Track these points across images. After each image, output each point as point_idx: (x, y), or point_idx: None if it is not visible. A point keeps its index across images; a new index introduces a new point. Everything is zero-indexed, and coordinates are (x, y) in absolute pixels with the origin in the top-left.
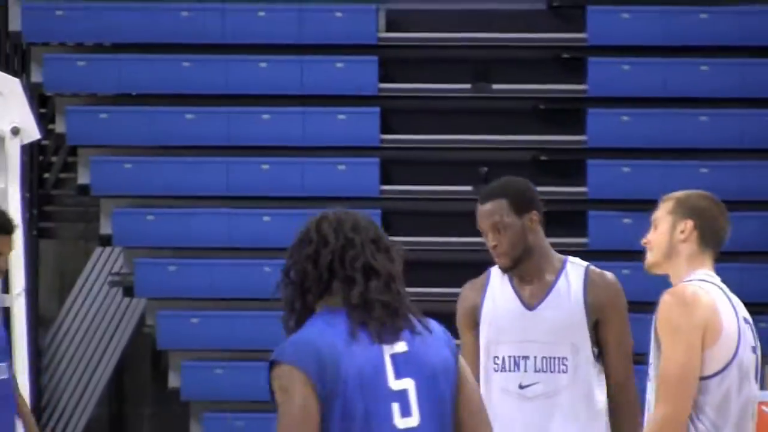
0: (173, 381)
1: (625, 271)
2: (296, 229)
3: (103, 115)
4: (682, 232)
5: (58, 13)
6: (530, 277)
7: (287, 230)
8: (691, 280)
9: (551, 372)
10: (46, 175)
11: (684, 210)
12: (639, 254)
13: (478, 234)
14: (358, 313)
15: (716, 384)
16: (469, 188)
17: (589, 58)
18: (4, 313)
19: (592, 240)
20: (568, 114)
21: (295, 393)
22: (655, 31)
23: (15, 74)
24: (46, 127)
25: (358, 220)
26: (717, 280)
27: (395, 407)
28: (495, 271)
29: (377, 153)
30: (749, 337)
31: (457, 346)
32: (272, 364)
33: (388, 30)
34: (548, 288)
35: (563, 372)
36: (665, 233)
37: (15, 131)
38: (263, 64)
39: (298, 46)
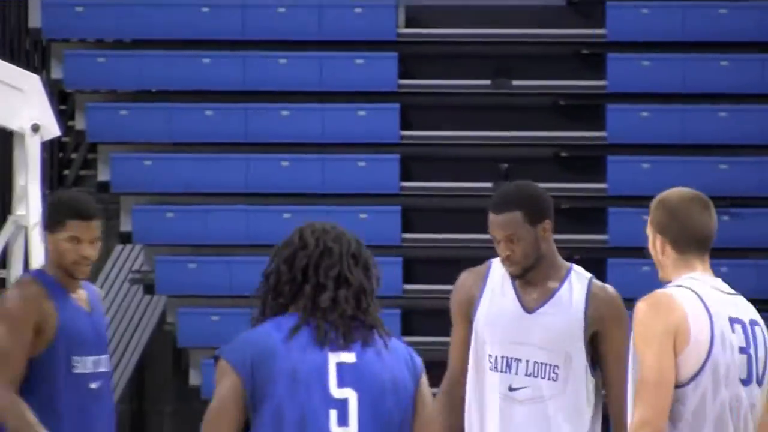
0: (194, 379)
1: (645, 268)
2: None
3: (122, 112)
4: (658, 246)
5: (78, 9)
6: (534, 282)
7: None
8: (667, 286)
9: (541, 378)
10: (66, 172)
11: (653, 223)
12: None
13: None
14: (313, 316)
15: (691, 390)
16: (489, 185)
17: (609, 54)
18: None
19: (612, 236)
20: (587, 110)
21: (222, 386)
22: (674, 26)
23: (35, 71)
24: (66, 123)
25: (343, 233)
26: (700, 283)
27: (333, 414)
28: (497, 265)
29: (397, 149)
30: (734, 339)
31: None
32: (215, 359)
33: (407, 26)
34: (550, 294)
35: (553, 380)
36: (651, 249)
37: (35, 128)
38: (283, 61)
39: (317, 42)
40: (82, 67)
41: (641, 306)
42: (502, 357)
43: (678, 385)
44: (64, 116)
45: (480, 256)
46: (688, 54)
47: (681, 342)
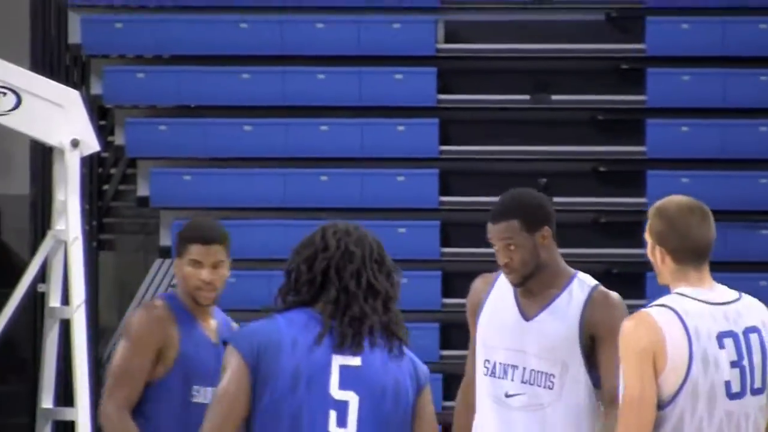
0: None
1: None
2: None
3: (162, 127)
4: (658, 255)
5: (118, 25)
6: (535, 290)
7: None
8: (652, 304)
9: (537, 386)
10: (106, 187)
11: (651, 232)
12: None
13: None
14: (335, 318)
15: (671, 411)
16: None
17: (649, 69)
18: (64, 326)
19: None
20: (627, 125)
21: (230, 371)
22: (714, 41)
23: (74, 86)
24: (105, 139)
25: (365, 235)
26: (686, 300)
27: (332, 414)
28: None
29: (436, 164)
30: (722, 356)
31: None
32: (224, 344)
33: (446, 41)
34: (548, 301)
35: (549, 388)
36: (649, 255)
37: (75, 143)
38: (321, 76)
39: (356, 57)
40: (121, 82)
41: (626, 324)
42: (500, 363)
43: (657, 407)
44: (103, 131)
45: None
46: (728, 69)
47: (659, 364)
